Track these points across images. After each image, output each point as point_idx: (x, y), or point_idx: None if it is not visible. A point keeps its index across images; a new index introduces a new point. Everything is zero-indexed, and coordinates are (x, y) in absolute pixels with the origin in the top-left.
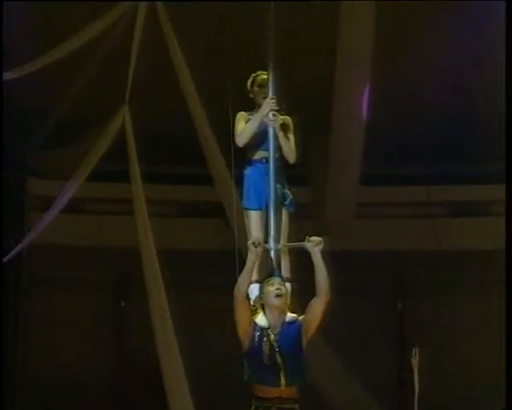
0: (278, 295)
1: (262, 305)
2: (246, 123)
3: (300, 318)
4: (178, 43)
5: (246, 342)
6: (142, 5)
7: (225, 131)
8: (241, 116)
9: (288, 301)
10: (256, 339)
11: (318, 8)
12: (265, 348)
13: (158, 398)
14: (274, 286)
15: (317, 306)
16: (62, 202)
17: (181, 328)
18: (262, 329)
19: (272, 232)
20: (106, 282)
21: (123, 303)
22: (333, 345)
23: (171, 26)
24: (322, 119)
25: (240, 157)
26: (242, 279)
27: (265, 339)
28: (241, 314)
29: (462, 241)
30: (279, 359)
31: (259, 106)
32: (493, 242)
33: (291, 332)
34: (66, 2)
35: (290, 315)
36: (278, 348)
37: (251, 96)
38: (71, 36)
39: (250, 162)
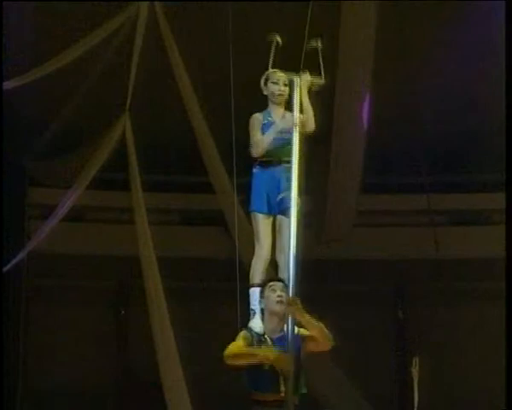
0: (279, 302)
1: (262, 309)
2: (260, 129)
3: (301, 333)
4: (179, 51)
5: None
6: (143, 14)
7: (226, 139)
8: (255, 121)
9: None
10: (254, 346)
11: (318, 13)
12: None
13: (158, 405)
14: (276, 292)
15: (319, 347)
16: (63, 210)
17: (181, 335)
18: (258, 335)
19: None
20: (106, 290)
21: (123, 311)
22: (332, 354)
23: (172, 36)
24: (323, 127)
25: (241, 166)
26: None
27: (263, 346)
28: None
29: (463, 249)
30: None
31: (273, 103)
32: (493, 250)
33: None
34: (67, 11)
35: None
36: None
37: (265, 93)
38: (72, 45)
39: (259, 162)
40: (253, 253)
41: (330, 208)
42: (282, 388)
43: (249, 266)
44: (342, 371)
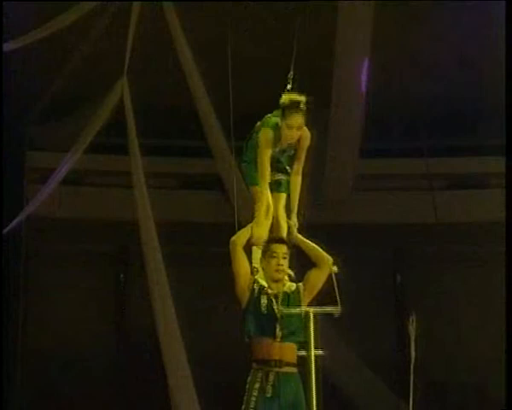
0: (278, 271)
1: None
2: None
3: (300, 284)
4: (178, 18)
5: (246, 295)
6: None
7: (224, 103)
8: (266, 146)
9: (289, 271)
10: (255, 291)
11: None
12: (263, 299)
13: (156, 369)
14: (276, 260)
15: (319, 276)
16: (61, 174)
17: (179, 299)
18: (261, 285)
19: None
20: (105, 254)
21: (122, 275)
22: (330, 318)
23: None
24: (322, 92)
25: (239, 130)
26: (247, 232)
27: (264, 294)
28: (240, 264)
29: (461, 213)
30: (276, 309)
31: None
32: (492, 214)
33: (291, 297)
34: None
35: (290, 286)
36: (275, 300)
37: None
38: (69, 8)
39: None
40: (250, 216)
41: (329, 173)
42: (278, 332)
43: None
44: (340, 335)
